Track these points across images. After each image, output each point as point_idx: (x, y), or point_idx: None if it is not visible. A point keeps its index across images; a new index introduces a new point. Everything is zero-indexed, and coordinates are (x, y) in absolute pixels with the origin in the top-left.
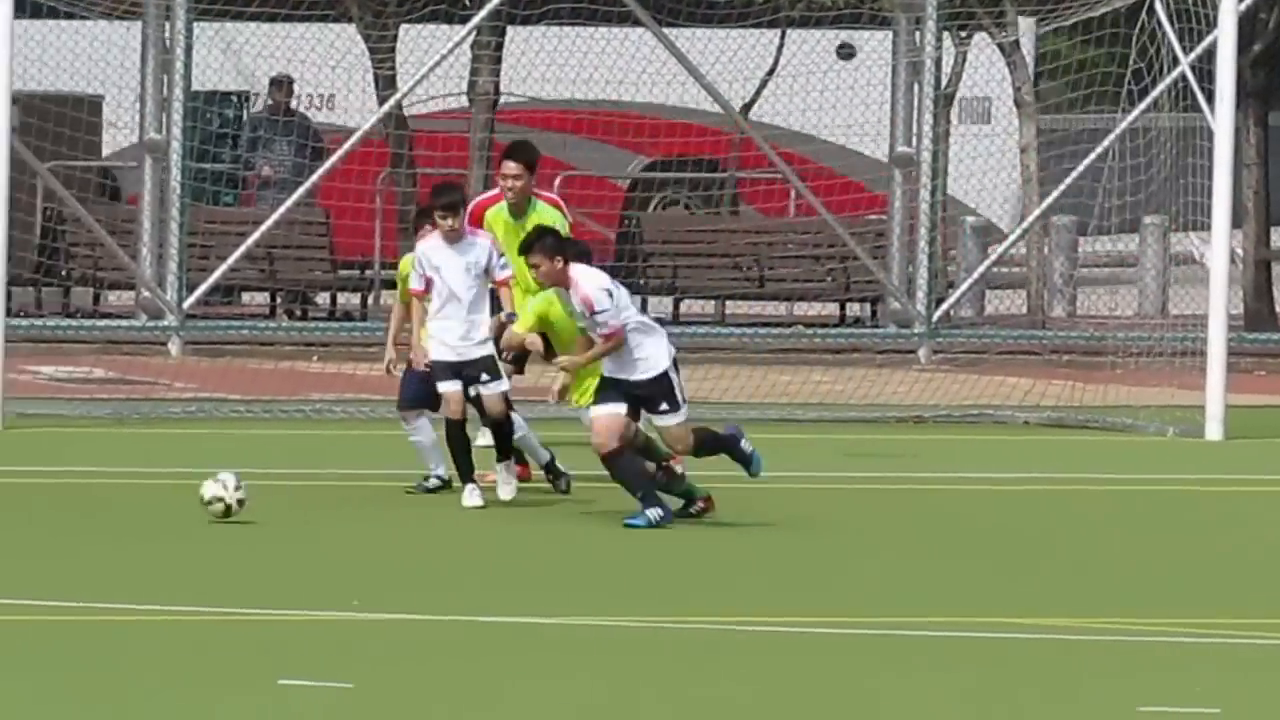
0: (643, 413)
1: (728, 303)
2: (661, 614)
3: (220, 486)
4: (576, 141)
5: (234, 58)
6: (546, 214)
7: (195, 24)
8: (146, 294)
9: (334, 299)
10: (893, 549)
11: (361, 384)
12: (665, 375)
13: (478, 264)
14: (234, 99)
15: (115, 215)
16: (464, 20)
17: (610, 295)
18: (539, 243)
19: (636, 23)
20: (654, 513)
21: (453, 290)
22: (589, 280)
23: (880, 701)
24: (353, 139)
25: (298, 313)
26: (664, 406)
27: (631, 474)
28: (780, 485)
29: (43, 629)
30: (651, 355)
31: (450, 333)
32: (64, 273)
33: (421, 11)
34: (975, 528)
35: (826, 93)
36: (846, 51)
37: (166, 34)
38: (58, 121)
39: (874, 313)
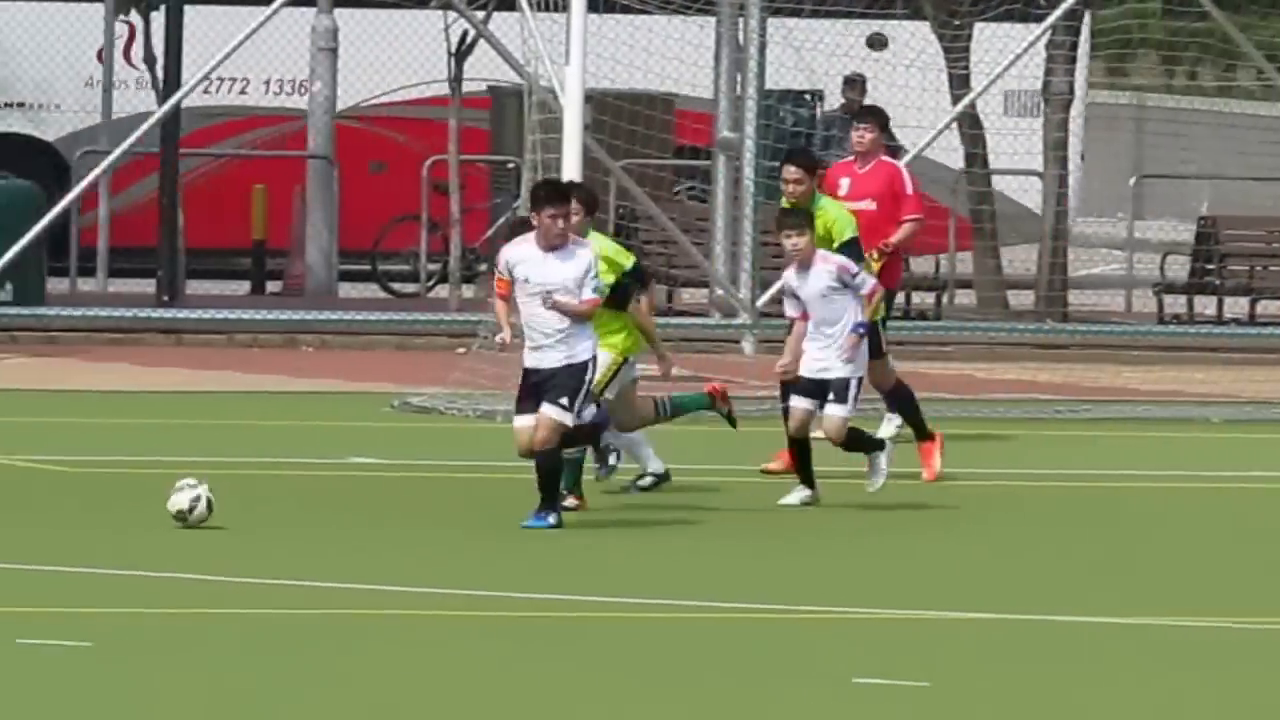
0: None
1: None
2: (1232, 615)
3: (187, 498)
4: None
5: (805, 56)
6: (830, 211)
7: (768, 21)
8: (720, 292)
9: (909, 298)
10: None
11: (934, 382)
12: (584, 368)
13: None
14: (807, 98)
15: (688, 213)
16: (1039, 19)
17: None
18: (573, 194)
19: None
20: (554, 518)
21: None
22: (595, 240)
23: None
24: (929, 139)
25: None
26: (563, 400)
27: (557, 475)
28: None
29: (605, 625)
30: (583, 345)
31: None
32: None
33: (996, 10)
34: None
35: None
36: (879, 41)
37: (740, 32)
38: (631, 120)
39: None
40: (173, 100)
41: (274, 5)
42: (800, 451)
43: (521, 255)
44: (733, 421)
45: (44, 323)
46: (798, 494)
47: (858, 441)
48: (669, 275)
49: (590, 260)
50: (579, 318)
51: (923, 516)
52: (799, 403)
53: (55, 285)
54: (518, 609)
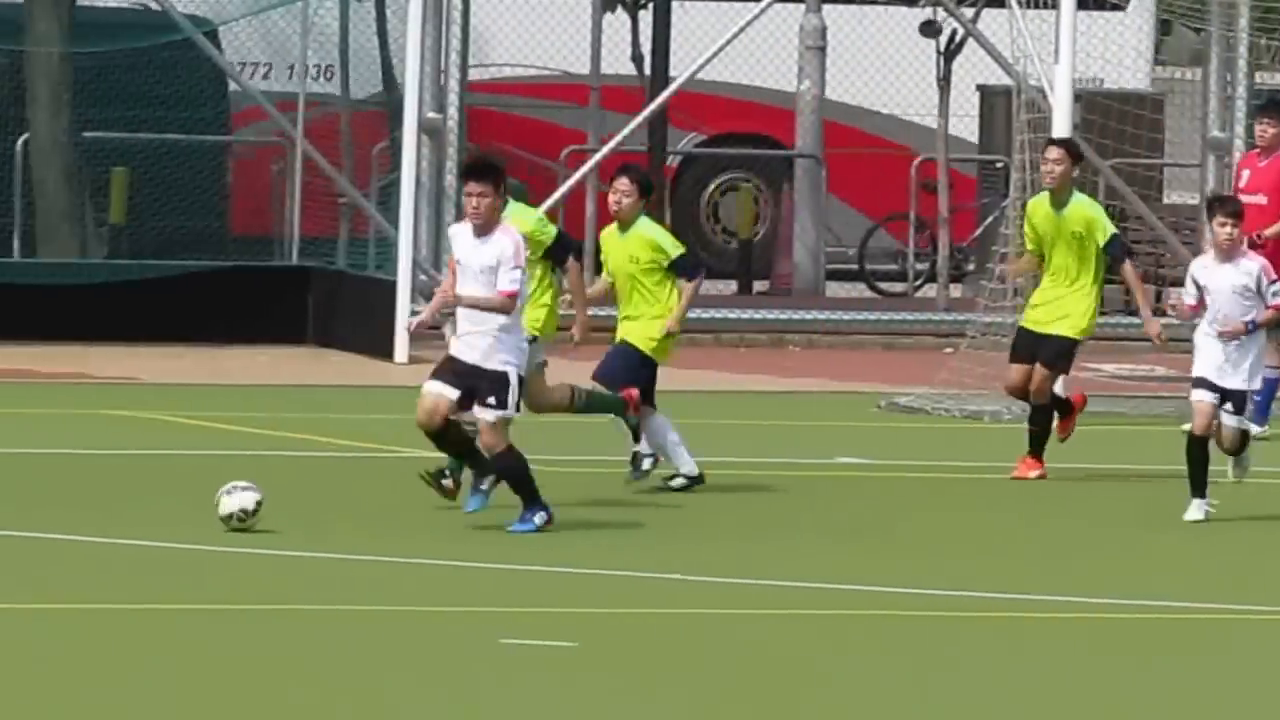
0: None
1: None
2: None
3: (247, 500)
4: None
5: None
6: (1084, 207)
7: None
8: None
9: None
10: None
11: None
12: (506, 375)
13: None
14: None
15: (1179, 213)
16: None
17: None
18: (493, 174)
19: None
20: (540, 517)
21: None
22: (521, 227)
23: None
24: None
25: None
26: (490, 400)
27: (523, 473)
28: None
29: (1089, 626)
30: (509, 349)
31: None
32: None
33: None
34: None
35: None
36: (932, 29)
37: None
38: (1120, 119)
39: None
40: (660, 98)
41: (763, 3)
42: (1200, 451)
43: (457, 233)
44: (635, 434)
45: None
46: (1199, 508)
47: (1244, 443)
48: (1158, 275)
49: (509, 248)
50: (495, 311)
51: None
52: (1204, 396)
53: None
54: (1027, 611)
